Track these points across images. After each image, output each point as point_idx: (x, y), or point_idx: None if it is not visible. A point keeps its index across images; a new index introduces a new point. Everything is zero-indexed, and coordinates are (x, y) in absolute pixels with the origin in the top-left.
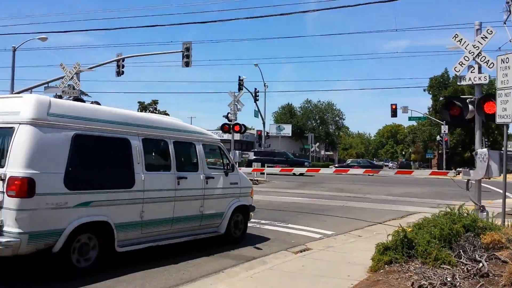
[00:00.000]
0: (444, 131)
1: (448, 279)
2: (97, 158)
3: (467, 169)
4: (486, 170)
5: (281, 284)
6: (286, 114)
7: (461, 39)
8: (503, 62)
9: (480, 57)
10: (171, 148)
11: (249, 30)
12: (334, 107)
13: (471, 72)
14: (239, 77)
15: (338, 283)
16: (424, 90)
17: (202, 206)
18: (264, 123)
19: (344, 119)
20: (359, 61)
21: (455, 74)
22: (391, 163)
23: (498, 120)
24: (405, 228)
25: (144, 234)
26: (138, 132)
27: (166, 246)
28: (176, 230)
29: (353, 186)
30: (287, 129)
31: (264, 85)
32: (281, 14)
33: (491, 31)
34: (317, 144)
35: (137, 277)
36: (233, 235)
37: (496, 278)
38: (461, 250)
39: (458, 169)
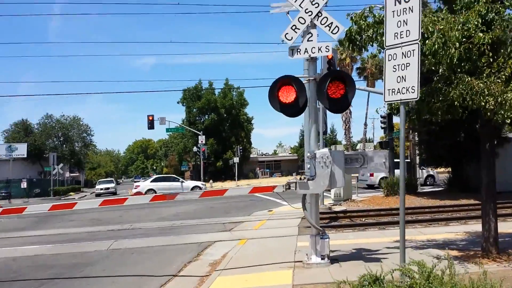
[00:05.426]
0: (202, 142)
1: None
2: None
3: (304, 180)
4: (329, 179)
5: None
6: (20, 132)
7: None
8: (399, 3)
9: (320, 18)
10: None
11: None
12: (81, 122)
13: (308, 40)
14: None
15: None
16: (178, 103)
17: None
18: None
19: (92, 135)
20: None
21: (289, 48)
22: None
23: (389, 98)
24: None
25: None
26: None
27: None
28: None
29: (112, 213)
30: (21, 149)
31: None
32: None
33: None
34: (61, 165)
35: None
36: None
37: None
38: None
39: (288, 181)
